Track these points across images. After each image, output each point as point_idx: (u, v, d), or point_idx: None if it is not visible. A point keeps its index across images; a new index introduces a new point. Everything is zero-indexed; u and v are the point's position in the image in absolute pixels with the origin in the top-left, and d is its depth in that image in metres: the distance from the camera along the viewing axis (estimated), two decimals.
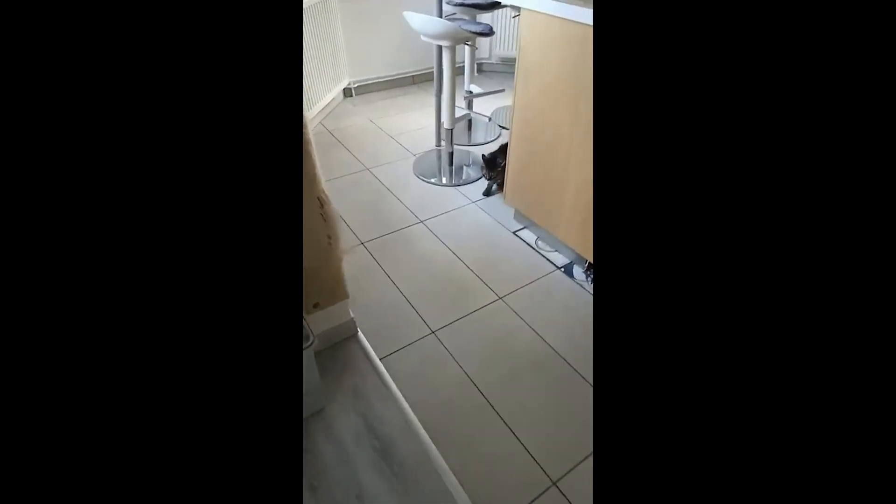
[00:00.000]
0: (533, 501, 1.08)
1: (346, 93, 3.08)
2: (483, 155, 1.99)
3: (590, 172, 1.52)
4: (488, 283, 1.68)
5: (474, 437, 1.21)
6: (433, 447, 1.16)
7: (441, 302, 1.60)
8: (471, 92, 2.50)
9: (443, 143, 2.36)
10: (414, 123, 2.80)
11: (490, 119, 2.68)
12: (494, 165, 1.86)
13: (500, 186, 1.99)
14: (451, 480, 1.10)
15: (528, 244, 1.88)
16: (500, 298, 1.63)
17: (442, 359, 1.41)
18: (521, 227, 1.98)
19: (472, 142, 2.56)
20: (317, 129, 2.76)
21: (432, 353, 1.43)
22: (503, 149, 1.96)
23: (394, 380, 1.29)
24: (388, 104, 3.03)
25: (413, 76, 3.29)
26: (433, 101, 2.35)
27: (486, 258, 1.80)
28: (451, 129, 2.21)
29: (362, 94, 3.15)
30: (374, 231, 1.94)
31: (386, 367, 1.34)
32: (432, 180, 2.25)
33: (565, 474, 1.14)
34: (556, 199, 1.69)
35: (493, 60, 3.36)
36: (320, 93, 2.64)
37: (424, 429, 1.17)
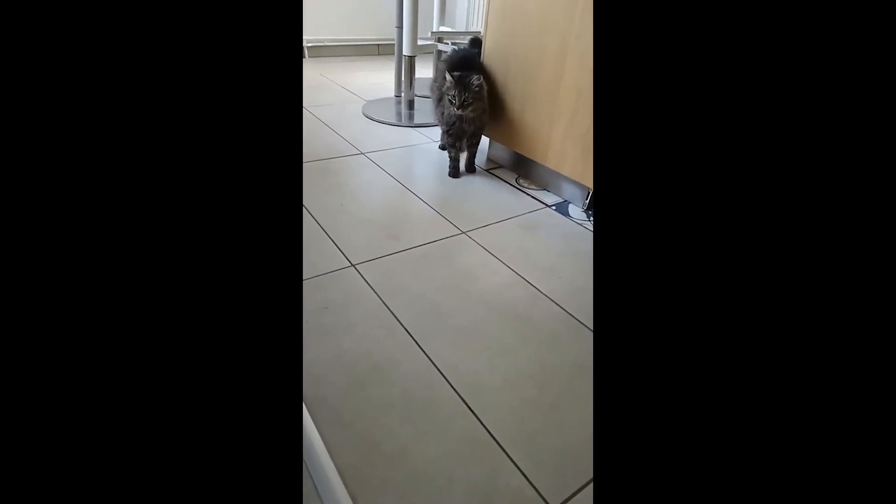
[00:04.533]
0: None
1: None
2: (441, 55, 1.33)
3: (586, 91, 1.09)
4: (450, 218, 1.15)
5: (413, 414, 0.63)
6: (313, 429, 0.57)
7: (374, 236, 1.06)
8: (439, 32, 2.08)
9: (402, 91, 1.89)
10: (372, 79, 2.36)
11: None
12: (465, 87, 1.31)
13: (472, 162, 1.44)
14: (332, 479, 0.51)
15: (506, 182, 1.37)
16: (464, 233, 1.09)
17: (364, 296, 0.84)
18: (496, 165, 1.48)
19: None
20: None
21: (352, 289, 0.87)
22: (476, 42, 1.46)
23: None
24: (345, 65, 2.60)
25: (379, 45, 2.89)
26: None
27: (448, 196, 1.28)
28: (413, 59, 1.76)
29: (317, 56, 2.71)
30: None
31: None
32: (384, 120, 1.76)
33: (571, 497, 0.57)
34: (545, 127, 1.23)
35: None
36: None
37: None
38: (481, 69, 1.33)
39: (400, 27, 1.77)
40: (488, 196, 1.28)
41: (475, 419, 0.64)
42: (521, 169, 1.42)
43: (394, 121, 1.76)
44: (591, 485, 0.58)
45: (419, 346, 0.76)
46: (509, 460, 0.59)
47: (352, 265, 0.94)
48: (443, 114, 1.33)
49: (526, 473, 0.58)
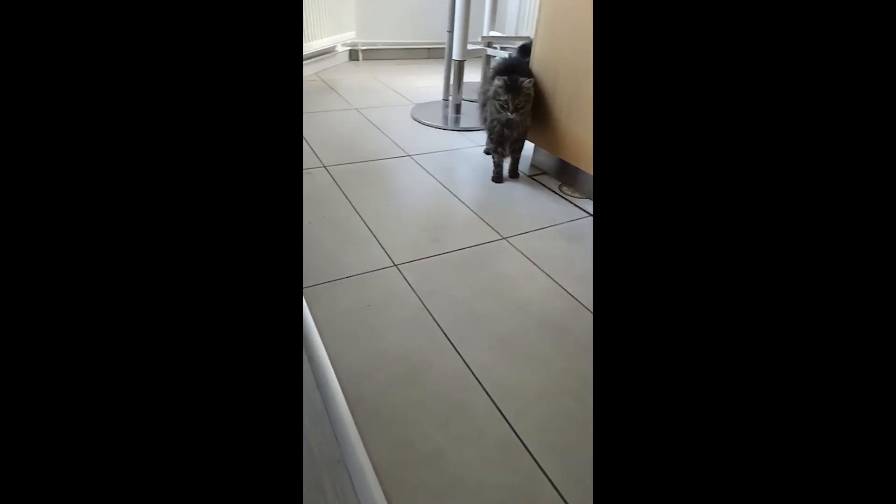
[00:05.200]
0: None
1: (353, 55, 2.73)
2: (490, 60, 1.34)
3: None
4: (491, 223, 1.15)
5: (448, 418, 0.65)
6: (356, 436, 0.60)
7: (417, 238, 1.08)
8: (490, 37, 2.08)
9: (451, 94, 1.92)
10: (421, 82, 2.40)
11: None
12: (516, 90, 1.31)
13: (515, 168, 1.42)
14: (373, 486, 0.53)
15: (550, 189, 1.36)
16: (504, 239, 1.10)
17: (404, 296, 0.87)
18: (540, 172, 1.47)
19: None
20: (310, 78, 2.37)
21: (395, 288, 0.89)
22: (525, 50, 1.45)
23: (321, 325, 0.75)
24: (396, 68, 2.66)
25: (429, 49, 2.94)
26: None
27: (490, 201, 1.29)
28: (462, 63, 1.78)
29: (369, 59, 2.80)
30: (343, 157, 1.45)
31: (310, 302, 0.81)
32: (431, 123, 1.79)
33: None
34: (589, 134, 1.21)
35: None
36: (313, 34, 2.26)
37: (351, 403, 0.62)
38: (529, 76, 1.33)
39: (451, 31, 1.79)
40: (531, 202, 1.28)
41: (508, 426, 0.65)
42: (565, 176, 1.40)
43: (441, 124, 1.79)
44: None
45: (456, 349, 0.77)
46: (540, 471, 0.59)
47: (394, 265, 0.97)
48: (485, 119, 1.34)
49: (557, 486, 0.58)
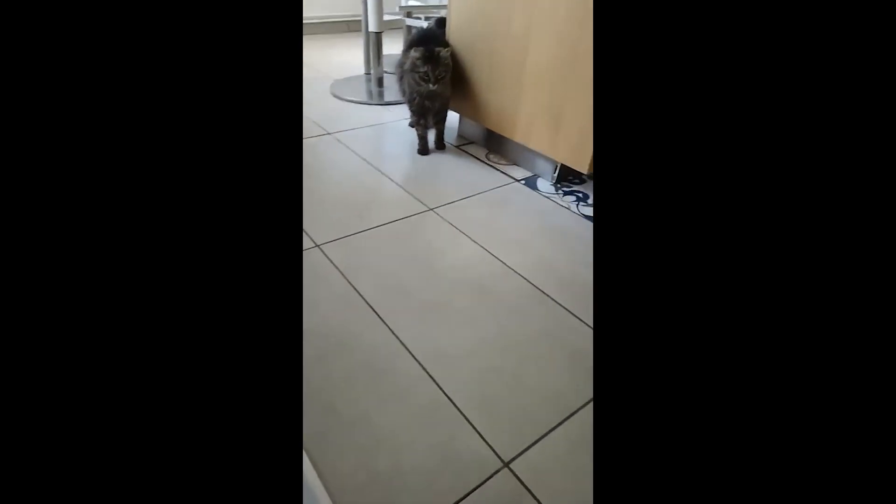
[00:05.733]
0: (479, 486, 0.53)
1: None
2: (411, 31, 1.30)
3: (557, 61, 1.07)
4: (418, 196, 1.15)
5: (376, 383, 0.65)
6: None
7: (341, 217, 1.06)
8: (408, 7, 2.03)
9: (371, 68, 1.86)
10: (340, 58, 2.31)
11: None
12: (436, 60, 1.28)
13: (441, 139, 1.43)
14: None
15: (476, 158, 1.38)
16: (431, 210, 1.10)
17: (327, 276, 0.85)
18: (467, 141, 1.48)
19: None
20: None
21: (316, 268, 0.87)
22: (442, 22, 1.43)
23: None
24: (313, 44, 2.53)
25: (348, 22, 2.82)
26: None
27: (417, 174, 1.28)
28: (380, 35, 1.72)
29: None
30: None
31: None
32: (353, 99, 1.74)
33: (522, 453, 0.60)
34: (512, 102, 1.23)
35: None
36: None
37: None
38: (446, 46, 1.32)
39: (365, 2, 1.72)
40: (457, 172, 1.29)
41: (436, 386, 0.67)
42: (492, 144, 1.42)
43: (365, 99, 1.74)
44: (542, 440, 0.61)
45: (384, 321, 0.77)
46: (467, 422, 0.62)
47: (316, 245, 0.95)
48: (404, 92, 1.32)
49: (482, 434, 0.61)
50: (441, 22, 1.43)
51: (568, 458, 0.59)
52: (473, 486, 0.55)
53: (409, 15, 2.03)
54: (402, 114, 1.63)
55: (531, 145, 1.22)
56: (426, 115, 1.31)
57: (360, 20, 2.59)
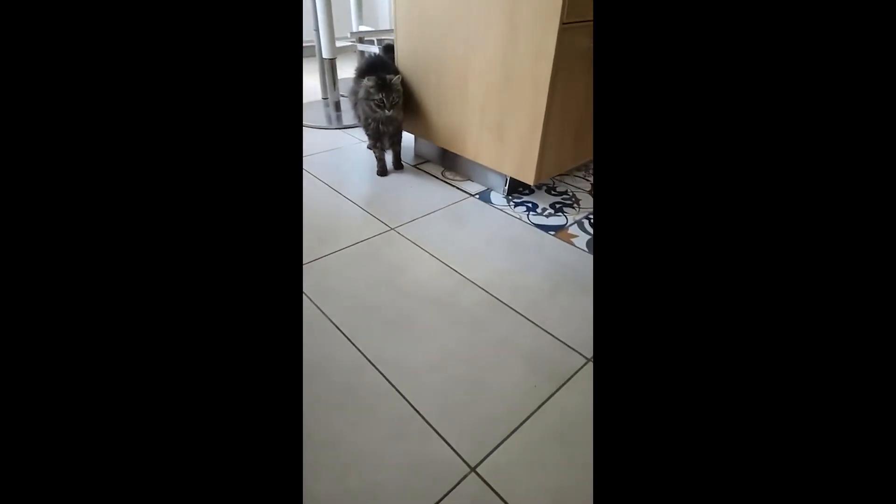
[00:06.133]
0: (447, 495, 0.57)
1: None
2: (364, 55, 1.35)
3: (495, 81, 1.15)
4: (379, 216, 1.19)
5: (343, 403, 0.68)
6: None
7: (304, 242, 1.09)
8: (359, 32, 2.09)
9: (328, 93, 1.90)
10: None
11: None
12: (388, 88, 1.33)
13: (399, 160, 1.48)
14: None
15: (433, 176, 1.43)
16: (392, 229, 1.14)
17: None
18: (424, 160, 1.54)
19: None
20: None
21: None
22: (389, 49, 1.49)
23: None
24: None
25: (304, 48, 2.85)
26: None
27: (377, 194, 1.32)
28: (333, 61, 1.77)
29: None
30: None
31: None
32: (312, 124, 1.77)
33: (487, 456, 0.64)
34: (460, 121, 1.29)
35: None
36: None
37: None
38: (396, 73, 1.38)
39: (317, 29, 1.77)
40: (415, 191, 1.33)
41: (404, 401, 0.70)
42: (447, 162, 1.48)
43: (324, 124, 1.77)
44: (505, 442, 0.66)
45: (351, 341, 0.81)
46: (435, 432, 0.66)
47: None
48: (359, 117, 1.36)
49: (449, 441, 0.65)
50: (388, 48, 1.49)
51: (528, 457, 0.64)
52: (443, 493, 0.59)
53: (360, 40, 2.08)
54: (361, 137, 1.67)
55: (481, 161, 1.29)
56: (382, 138, 1.36)
57: (313, 46, 2.63)
